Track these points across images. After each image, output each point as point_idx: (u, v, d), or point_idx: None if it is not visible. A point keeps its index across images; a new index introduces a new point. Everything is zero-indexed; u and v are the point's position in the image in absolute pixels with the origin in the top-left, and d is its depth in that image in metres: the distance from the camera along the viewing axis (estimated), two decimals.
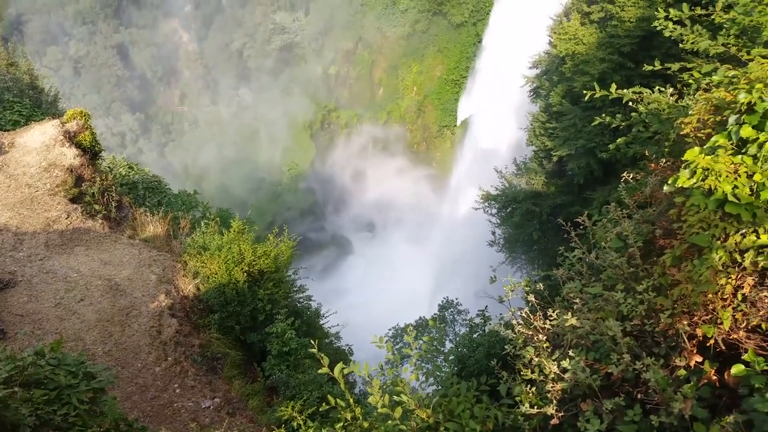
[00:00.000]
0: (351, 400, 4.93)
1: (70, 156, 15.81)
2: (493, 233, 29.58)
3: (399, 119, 71.72)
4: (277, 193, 75.11)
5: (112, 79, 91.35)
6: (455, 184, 58.75)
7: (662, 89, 6.97)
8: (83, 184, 15.69)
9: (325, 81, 78.20)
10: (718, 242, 4.21)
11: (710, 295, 4.25)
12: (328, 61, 78.28)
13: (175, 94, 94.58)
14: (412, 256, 60.40)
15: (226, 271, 13.19)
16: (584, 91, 7.45)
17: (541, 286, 6.40)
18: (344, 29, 76.13)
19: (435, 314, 19.86)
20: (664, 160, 5.57)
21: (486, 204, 30.49)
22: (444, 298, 20.38)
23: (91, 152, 16.68)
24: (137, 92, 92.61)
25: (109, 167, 21.75)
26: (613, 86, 6.83)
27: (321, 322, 16.91)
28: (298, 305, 15.92)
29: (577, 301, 5.46)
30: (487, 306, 14.14)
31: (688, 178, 4.34)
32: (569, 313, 5.17)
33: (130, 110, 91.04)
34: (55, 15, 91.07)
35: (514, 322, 5.87)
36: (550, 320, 5.45)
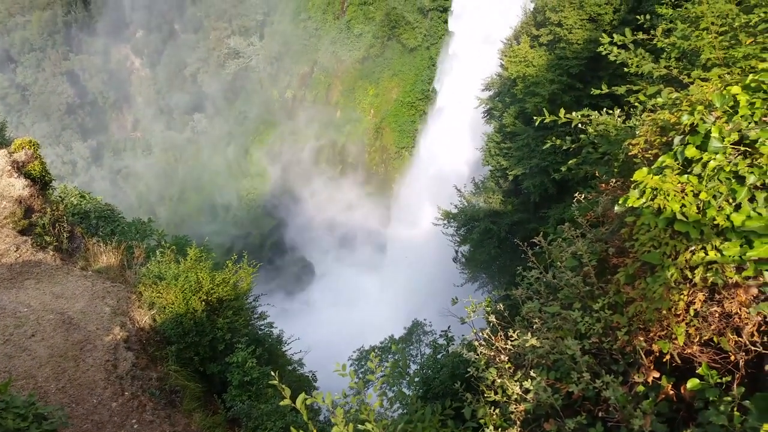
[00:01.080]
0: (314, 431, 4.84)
1: (19, 187, 15.28)
2: (456, 252, 29.85)
3: (357, 141, 71.99)
4: (236, 219, 74.14)
5: (62, 107, 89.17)
6: (415, 204, 59.09)
7: (610, 111, 7.21)
8: (33, 216, 15.18)
9: (281, 104, 78.08)
10: (669, 260, 4.33)
11: (664, 312, 4.36)
12: (284, 85, 78.26)
13: (128, 120, 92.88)
14: (375, 277, 60.28)
15: (184, 301, 12.88)
16: (534, 117, 7.63)
17: (501, 306, 6.46)
18: (299, 53, 76.39)
19: (401, 335, 19.81)
20: (614, 180, 5.73)
21: (446, 221, 30.77)
22: (414, 319, 20.39)
23: (41, 182, 16.16)
24: (89, 119, 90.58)
25: (60, 197, 21.09)
26: (562, 111, 7.02)
27: (283, 349, 16.65)
28: (259, 333, 15.64)
29: (537, 320, 5.53)
30: (450, 326, 14.18)
31: (638, 198, 4.47)
32: (529, 333, 5.23)
33: (82, 138, 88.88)
34: (1, 41, 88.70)
35: (476, 343, 5.90)
36: (511, 341, 5.50)
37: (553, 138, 8.45)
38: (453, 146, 51.40)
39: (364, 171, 70.89)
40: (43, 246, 14.75)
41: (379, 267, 62.11)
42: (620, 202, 4.65)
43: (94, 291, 14.00)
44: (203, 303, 13.02)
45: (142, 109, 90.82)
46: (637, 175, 4.48)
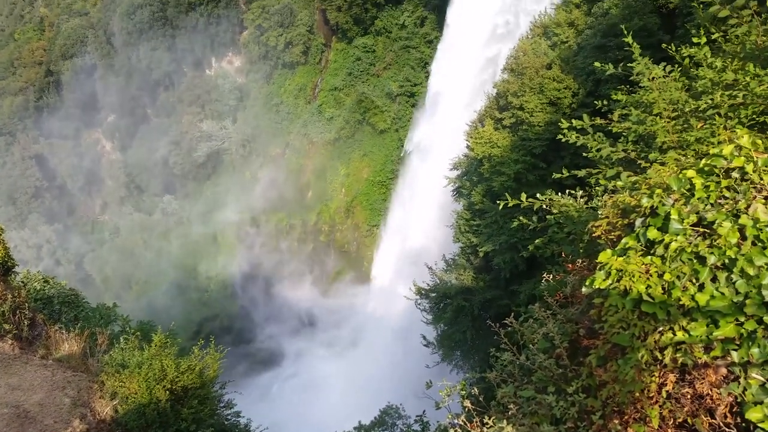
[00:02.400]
0: None
1: None
2: (424, 337, 29.44)
3: (328, 220, 72.33)
4: (203, 301, 72.64)
5: (30, 190, 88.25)
6: (387, 282, 58.81)
7: (573, 192, 7.41)
8: None
9: (252, 185, 78.57)
10: (639, 341, 4.33)
11: (637, 394, 4.32)
12: (256, 167, 79.09)
13: (97, 203, 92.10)
14: (346, 359, 58.88)
15: (147, 390, 12.31)
16: (498, 201, 7.81)
17: (476, 390, 6.33)
18: (271, 136, 77.79)
19: (374, 419, 19.19)
20: (580, 261, 5.81)
21: (419, 297, 30.57)
22: (388, 403, 19.82)
23: (2, 268, 15.68)
24: (56, 203, 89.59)
25: (22, 282, 20.44)
26: (524, 195, 7.20)
27: None
28: (226, 422, 14.97)
29: (512, 406, 5.42)
30: (424, 410, 13.80)
31: (604, 279, 4.52)
32: (505, 420, 5.11)
33: (48, 221, 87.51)
34: None
35: (452, 430, 5.73)
36: (487, 428, 5.35)
37: (520, 217, 8.60)
38: (424, 224, 51.91)
39: (336, 250, 70.80)
40: (1, 335, 14.15)
41: (350, 348, 60.84)
42: (587, 283, 4.69)
43: (53, 381, 13.35)
44: (167, 392, 12.46)
45: (112, 191, 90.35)
46: (602, 257, 4.55)
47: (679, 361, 4.21)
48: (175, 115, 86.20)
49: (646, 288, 4.32)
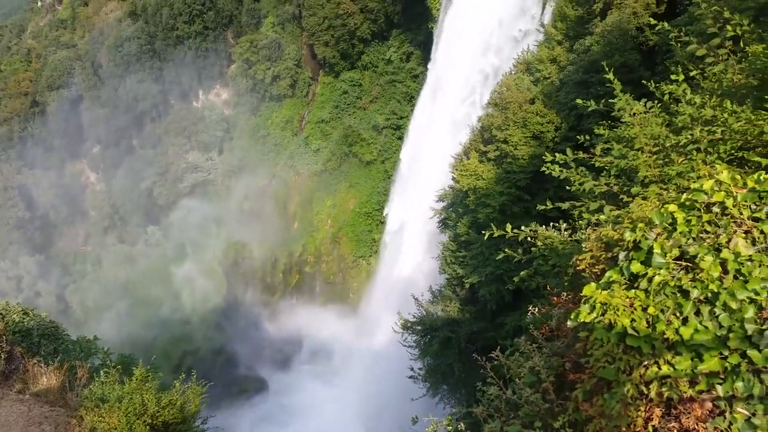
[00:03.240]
0: None
1: None
2: (412, 369, 29.14)
3: (314, 251, 72.06)
4: (185, 334, 71.53)
5: (12, 221, 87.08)
6: (373, 314, 58.42)
7: (557, 225, 7.48)
8: None
9: (238, 216, 78.28)
10: (624, 375, 4.33)
11: (623, 429, 4.29)
12: (241, 197, 78.93)
13: (79, 234, 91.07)
14: (332, 391, 58.04)
15: (127, 425, 12.01)
16: (483, 232, 7.86)
17: (462, 425, 6.26)
18: (258, 167, 77.91)
19: None
20: (565, 294, 5.83)
21: (404, 332, 30.32)
22: None
23: None
24: (38, 234, 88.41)
25: (1, 314, 20.05)
26: (509, 226, 7.26)
27: None
28: None
29: None
30: None
31: (589, 313, 4.53)
32: None
33: (29, 252, 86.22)
34: None
35: None
36: None
37: (506, 249, 8.64)
38: (410, 255, 51.88)
39: (321, 281, 70.40)
40: None
41: (335, 380, 60.04)
42: (572, 317, 4.70)
43: (29, 417, 12.99)
44: (148, 427, 12.16)
45: (95, 222, 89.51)
46: (586, 291, 4.57)
47: (665, 396, 4.21)
48: (161, 147, 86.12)
49: (631, 322, 4.34)
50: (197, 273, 77.24)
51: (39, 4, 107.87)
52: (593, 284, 4.63)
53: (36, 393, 14.28)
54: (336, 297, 68.39)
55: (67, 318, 72.16)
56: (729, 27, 7.17)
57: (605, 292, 4.51)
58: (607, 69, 7.93)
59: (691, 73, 7.83)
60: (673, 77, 7.25)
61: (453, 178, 30.32)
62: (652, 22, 9.12)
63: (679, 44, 8.01)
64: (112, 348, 23.54)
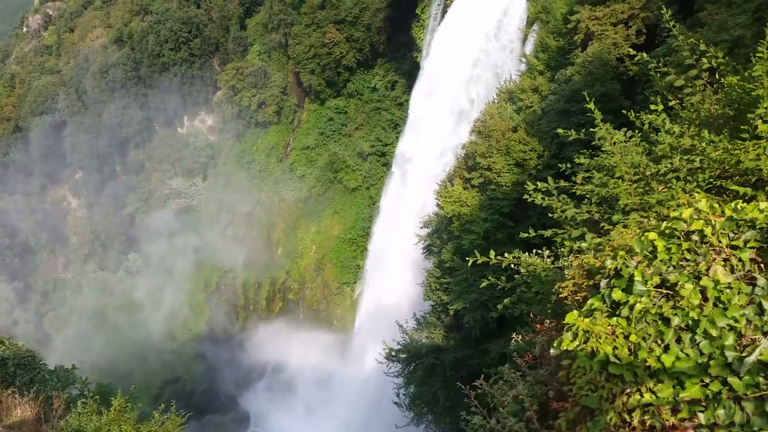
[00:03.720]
0: None
1: None
2: (398, 395, 28.88)
3: (298, 278, 71.62)
4: (166, 363, 70.34)
5: None
6: (357, 341, 57.94)
7: (540, 252, 7.52)
8: None
9: (221, 243, 77.74)
10: (607, 403, 4.31)
11: None
12: (225, 223, 78.51)
13: (60, 261, 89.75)
14: (316, 421, 57.15)
15: None
16: (467, 258, 7.87)
17: None
18: (242, 193, 77.68)
19: None
20: (548, 321, 5.84)
21: (389, 361, 30.08)
22: None
23: None
24: (17, 260, 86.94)
25: None
26: (492, 253, 7.29)
27: None
28: None
29: None
30: None
31: (571, 341, 4.53)
32: None
33: (8, 279, 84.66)
34: None
35: None
36: None
37: (490, 276, 8.65)
38: (395, 281, 51.72)
39: (305, 308, 69.83)
40: None
41: (319, 409, 59.17)
42: (555, 344, 4.69)
43: None
44: None
45: (76, 249, 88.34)
46: (569, 318, 4.58)
47: (648, 424, 4.19)
48: (144, 173, 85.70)
49: (613, 349, 4.34)
50: (179, 300, 76.31)
51: (24, 29, 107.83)
52: (576, 312, 4.64)
53: (9, 425, 13.88)
54: (320, 324, 67.81)
55: (45, 347, 70.65)
56: (705, 59, 7.35)
57: (587, 319, 4.52)
58: (588, 98, 8.08)
59: (670, 103, 7.99)
60: (652, 107, 7.40)
61: (437, 205, 30.46)
62: (632, 52, 9.32)
63: (658, 75, 8.18)
64: (90, 377, 23.04)
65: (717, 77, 7.57)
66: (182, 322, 74.17)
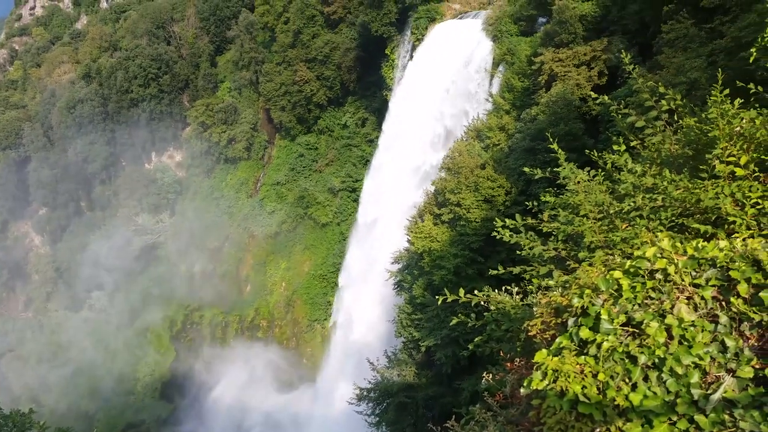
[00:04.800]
0: None
1: None
2: None
3: (267, 315, 70.52)
4: (129, 405, 68.01)
5: None
6: (327, 380, 56.95)
7: (509, 288, 7.57)
8: None
9: (188, 280, 76.33)
10: None
11: None
12: (192, 260, 77.23)
13: (20, 300, 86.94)
14: None
15: None
16: (437, 296, 7.87)
17: None
18: (210, 229, 76.77)
19: None
20: (518, 360, 5.83)
21: (359, 401, 29.61)
22: None
23: None
24: None
25: None
26: (462, 291, 7.31)
27: None
28: None
29: None
30: None
31: (541, 380, 4.52)
32: None
33: None
34: None
35: None
36: None
37: (459, 315, 8.64)
38: (366, 318, 51.28)
39: (274, 346, 68.57)
40: None
41: None
42: (525, 384, 4.68)
43: None
44: None
45: (37, 287, 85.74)
46: (538, 357, 4.58)
47: None
48: (110, 209, 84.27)
49: (582, 388, 4.34)
50: (144, 340, 74.26)
51: None
52: (545, 350, 4.64)
53: None
54: (289, 363, 66.56)
55: (2, 390, 67.86)
56: (664, 101, 7.61)
57: (556, 358, 4.52)
58: (551, 138, 8.27)
59: (632, 143, 8.22)
60: (614, 147, 7.60)
61: (408, 240, 30.54)
62: (593, 95, 9.61)
63: (619, 115, 8.43)
64: (50, 421, 22.13)
65: (676, 118, 7.84)
66: (146, 363, 72.00)
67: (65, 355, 76.25)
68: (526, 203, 10.09)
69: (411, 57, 53.13)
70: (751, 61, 6.93)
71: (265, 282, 72.07)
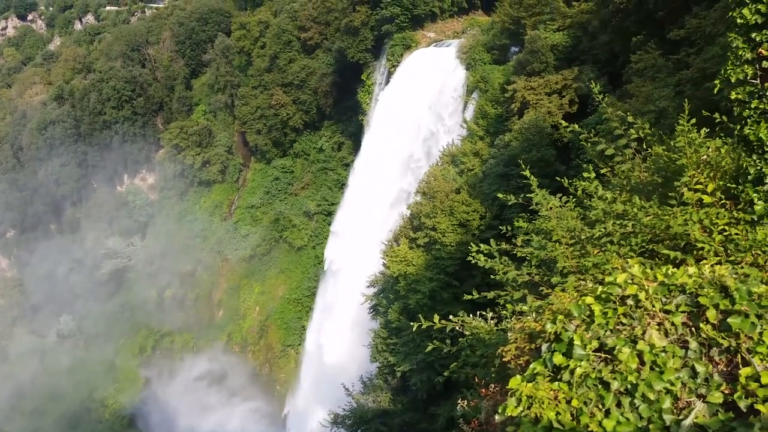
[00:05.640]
0: None
1: None
2: None
3: (240, 341, 69.44)
4: None
5: None
6: (301, 406, 56.08)
7: (483, 313, 7.59)
8: None
9: (159, 305, 74.88)
10: None
11: None
12: (164, 284, 75.87)
13: None
14: None
15: None
16: (413, 324, 7.86)
17: None
18: (183, 253, 75.68)
19: None
20: (493, 386, 5.83)
21: (335, 426, 29.19)
22: None
23: None
24: None
25: None
26: (437, 317, 7.31)
27: None
28: None
29: None
30: None
31: (515, 407, 4.52)
32: None
33: None
34: None
35: None
36: None
37: (434, 341, 8.63)
38: (341, 343, 50.81)
39: (247, 372, 67.41)
40: None
41: None
42: (500, 410, 4.66)
43: None
44: None
45: (3, 312, 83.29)
46: (512, 383, 4.58)
47: None
48: (80, 232, 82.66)
49: (556, 415, 4.35)
50: (112, 366, 72.39)
51: None
52: (519, 376, 4.65)
53: None
54: (262, 389, 65.44)
55: None
56: (633, 130, 7.80)
57: (530, 384, 4.52)
58: (524, 165, 8.40)
59: (602, 171, 8.40)
60: (585, 174, 7.75)
61: (384, 264, 30.49)
62: (564, 124, 9.81)
63: (589, 143, 8.61)
64: None
65: (645, 146, 8.03)
66: (115, 390, 70.10)
67: (32, 382, 73.86)
68: (500, 228, 10.19)
69: (387, 83, 53.71)
70: (715, 91, 7.15)
71: (239, 306, 71.09)
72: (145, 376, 71.19)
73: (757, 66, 6.73)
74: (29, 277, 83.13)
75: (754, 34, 6.69)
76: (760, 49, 6.67)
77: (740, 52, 6.82)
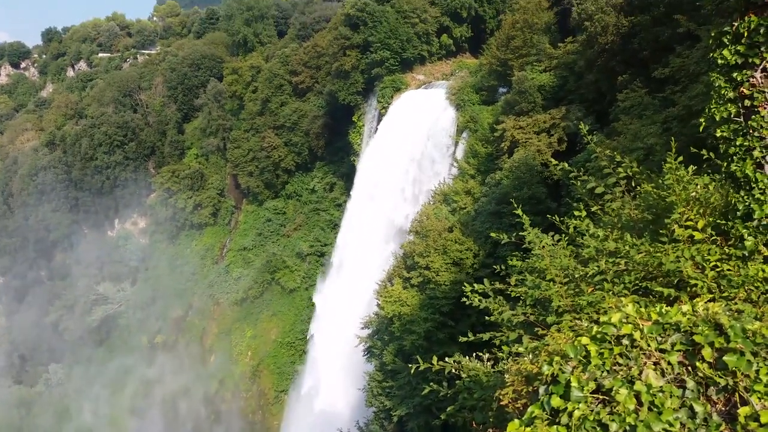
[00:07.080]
0: None
1: None
2: None
3: (232, 387, 68.12)
4: None
5: None
6: None
7: (480, 354, 7.51)
8: None
9: (149, 351, 73.68)
10: None
11: None
12: (154, 330, 74.84)
13: None
14: None
15: None
16: (410, 365, 7.77)
17: None
18: (173, 297, 74.93)
19: None
20: (491, 430, 5.73)
21: None
22: None
23: None
24: None
25: None
26: (435, 358, 7.24)
27: None
28: None
29: None
30: None
31: None
32: None
33: None
34: None
35: None
36: None
37: (431, 383, 8.51)
38: (335, 388, 49.97)
39: (240, 419, 65.93)
40: None
41: None
42: None
43: None
44: None
45: None
46: (510, 428, 4.51)
47: None
48: (70, 278, 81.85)
49: None
50: (101, 415, 70.71)
51: None
52: (517, 421, 4.58)
53: None
54: None
55: None
56: (621, 168, 7.90)
57: (529, 428, 4.46)
58: (516, 203, 8.46)
59: (593, 209, 8.45)
60: (576, 212, 7.80)
61: (378, 305, 30.26)
62: (553, 162, 9.92)
63: (578, 182, 8.69)
64: None
65: (633, 184, 8.11)
66: None
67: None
68: (494, 266, 10.17)
69: (378, 124, 54.37)
70: (701, 129, 7.29)
71: (231, 351, 69.97)
72: (135, 425, 69.48)
73: (740, 104, 6.88)
74: (18, 325, 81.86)
75: (735, 74, 6.86)
76: (741, 88, 6.83)
77: (723, 91, 6.98)
